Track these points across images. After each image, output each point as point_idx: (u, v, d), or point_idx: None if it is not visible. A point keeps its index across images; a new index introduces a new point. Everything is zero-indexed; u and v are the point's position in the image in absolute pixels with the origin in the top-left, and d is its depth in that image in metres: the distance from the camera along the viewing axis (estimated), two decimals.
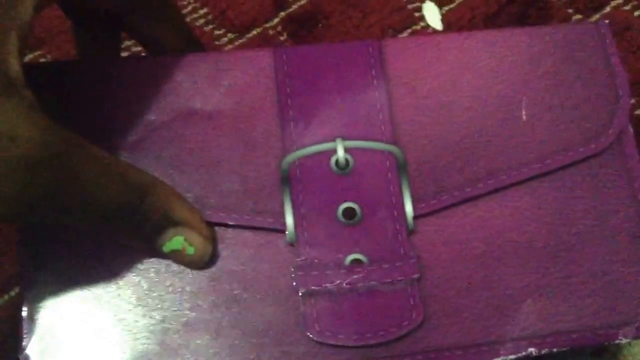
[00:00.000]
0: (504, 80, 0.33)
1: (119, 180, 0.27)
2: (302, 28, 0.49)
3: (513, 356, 0.30)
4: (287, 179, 0.31)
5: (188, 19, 0.49)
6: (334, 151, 0.31)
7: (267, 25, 0.50)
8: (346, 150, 0.31)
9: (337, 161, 0.31)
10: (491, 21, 0.50)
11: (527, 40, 0.34)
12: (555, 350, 0.30)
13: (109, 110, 0.31)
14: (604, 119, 0.33)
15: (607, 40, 0.34)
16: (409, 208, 0.31)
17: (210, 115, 0.31)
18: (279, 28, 0.49)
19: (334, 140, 0.31)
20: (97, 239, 0.30)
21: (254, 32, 0.49)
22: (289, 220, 0.30)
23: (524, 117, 0.32)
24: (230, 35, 0.49)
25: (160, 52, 0.34)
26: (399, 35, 0.50)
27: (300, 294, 0.30)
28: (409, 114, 0.32)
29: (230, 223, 0.30)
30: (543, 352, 0.30)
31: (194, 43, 0.36)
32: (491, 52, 0.33)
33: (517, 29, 0.34)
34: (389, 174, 0.31)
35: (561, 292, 0.31)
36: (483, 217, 0.31)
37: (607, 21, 0.35)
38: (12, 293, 0.40)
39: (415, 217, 0.31)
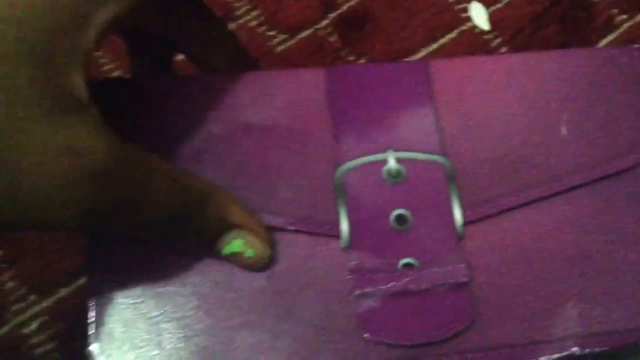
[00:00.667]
0: (545, 97, 0.35)
1: (181, 188, 0.29)
2: (351, 29, 0.51)
3: (557, 355, 0.32)
4: (341, 188, 0.33)
5: (241, 21, 0.51)
6: (386, 161, 0.33)
7: (317, 26, 0.51)
8: (397, 160, 0.33)
9: (388, 171, 0.33)
10: (537, 21, 0.51)
11: (566, 61, 0.36)
12: (597, 350, 0.32)
13: (170, 124, 0.33)
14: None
15: (639, 64, 0.36)
16: (458, 215, 0.33)
17: (267, 129, 0.34)
18: (329, 29, 0.51)
19: (385, 151, 0.33)
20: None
21: (305, 33, 0.51)
22: (344, 226, 0.32)
23: (564, 132, 0.34)
24: (281, 36, 0.51)
25: (213, 71, 0.37)
26: (447, 36, 0.51)
27: (354, 295, 0.32)
28: (455, 129, 0.34)
29: (288, 228, 0.32)
30: (586, 351, 0.32)
31: (247, 62, 0.38)
32: (531, 71, 0.36)
33: (556, 51, 0.37)
34: (438, 183, 0.33)
35: (602, 294, 0.32)
36: (527, 225, 0.33)
37: (637, 46, 0.37)
38: (79, 282, 0.42)
39: (463, 224, 0.33)
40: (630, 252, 0.33)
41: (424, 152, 0.33)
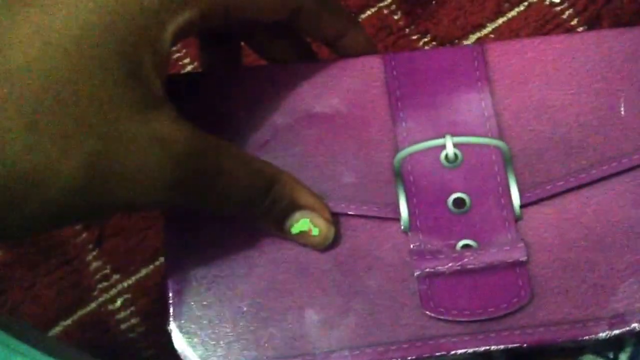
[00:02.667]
0: (602, 78, 0.36)
1: (252, 171, 0.32)
2: (416, 6, 0.52)
3: (618, 331, 0.33)
4: (400, 173, 0.35)
5: None
6: (444, 146, 0.34)
7: (382, 4, 0.52)
8: (454, 145, 0.34)
9: (446, 155, 0.35)
10: None
11: (622, 40, 0.36)
12: None
13: (239, 115, 0.36)
14: None
15: None
16: (515, 197, 0.34)
17: (329, 117, 0.36)
18: (393, 7, 0.52)
19: (443, 136, 0.34)
20: (233, 226, 0.35)
21: (369, 12, 0.52)
22: (404, 210, 0.34)
23: (622, 112, 0.35)
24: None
25: (277, 61, 0.39)
26: (515, 9, 0.52)
27: (415, 275, 0.34)
28: (512, 111, 0.35)
29: (350, 212, 0.34)
30: None
31: (309, 54, 0.40)
32: (588, 51, 0.36)
33: (611, 30, 0.37)
34: (496, 166, 0.35)
35: None
36: (585, 204, 0.34)
37: None
38: (157, 263, 0.46)
39: (521, 206, 0.34)
40: None
41: (481, 136, 0.35)
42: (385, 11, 0.52)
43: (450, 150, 0.34)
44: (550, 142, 0.35)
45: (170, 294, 0.34)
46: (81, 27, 0.27)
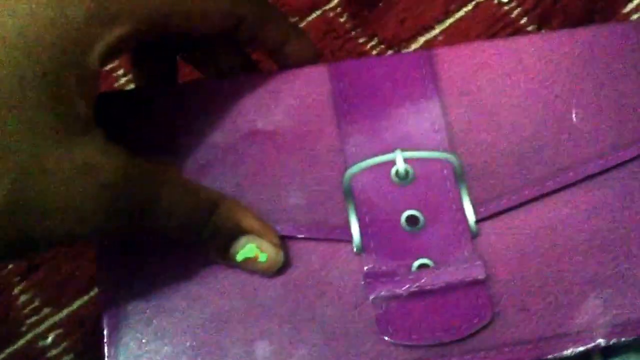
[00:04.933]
0: (553, 83, 0.35)
1: (191, 198, 0.31)
2: (363, 8, 0.50)
3: (582, 347, 0.32)
4: (350, 191, 0.33)
5: None
6: (394, 162, 0.33)
7: (327, 7, 0.51)
8: (405, 160, 0.33)
9: (397, 172, 0.33)
10: None
11: (573, 42, 0.36)
12: (623, 339, 0.32)
13: (176, 134, 0.34)
14: None
15: None
16: (470, 212, 0.33)
17: (273, 134, 0.34)
18: (339, 9, 0.51)
19: (392, 151, 0.33)
20: (174, 255, 0.33)
21: (314, 14, 0.51)
22: (355, 231, 0.33)
23: (575, 119, 0.34)
24: (291, 19, 0.50)
25: (217, 76, 0.37)
26: (463, 9, 0.50)
27: (370, 299, 0.32)
28: (463, 122, 0.35)
29: (299, 236, 0.33)
30: (612, 342, 0.32)
31: (250, 65, 0.39)
32: (538, 56, 0.36)
33: (562, 31, 0.36)
34: (448, 181, 0.34)
35: (626, 282, 0.33)
36: (543, 217, 0.34)
37: None
38: (92, 293, 0.43)
39: (477, 221, 0.33)
40: None
41: (432, 149, 0.34)
42: (331, 14, 0.51)
43: (400, 166, 0.33)
44: (503, 153, 0.34)
45: (105, 332, 0.32)
46: (1, 48, 0.25)
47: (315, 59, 0.37)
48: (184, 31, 0.32)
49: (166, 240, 0.32)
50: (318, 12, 0.51)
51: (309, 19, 0.51)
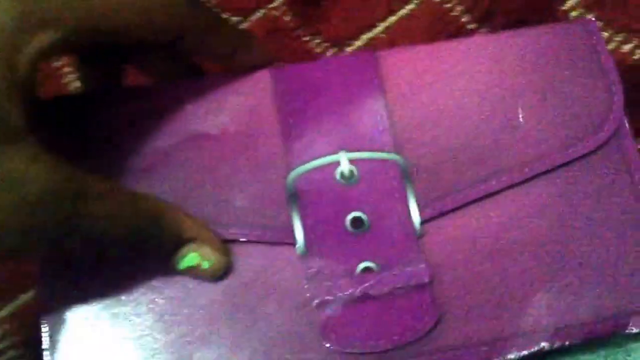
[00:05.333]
0: (499, 84, 0.36)
1: (129, 209, 0.30)
2: (307, 6, 0.51)
3: (526, 351, 0.32)
4: (294, 194, 0.33)
5: None
6: (338, 163, 0.33)
7: (271, 5, 0.51)
8: (350, 161, 0.33)
9: (341, 173, 0.33)
10: None
11: (518, 42, 0.36)
12: (567, 343, 0.33)
13: (118, 139, 0.34)
14: (600, 115, 0.35)
15: (596, 38, 0.37)
16: (414, 213, 0.33)
17: (216, 138, 0.34)
18: (283, 8, 0.51)
19: (337, 152, 0.33)
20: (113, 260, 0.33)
21: (258, 14, 0.51)
22: (299, 233, 0.33)
23: (521, 119, 0.35)
24: (234, 18, 0.50)
25: (161, 79, 0.37)
26: (406, 7, 0.51)
27: (314, 303, 0.32)
28: (408, 122, 0.35)
29: (242, 239, 0.33)
30: (555, 345, 0.33)
31: (196, 70, 0.38)
32: (483, 56, 0.36)
33: (507, 32, 0.37)
34: (393, 182, 0.34)
35: (570, 284, 0.33)
36: (488, 217, 0.34)
37: (593, 19, 0.37)
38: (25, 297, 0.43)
39: (422, 222, 0.33)
40: (596, 239, 0.34)
41: (377, 150, 0.34)
42: (275, 12, 0.51)
43: (345, 166, 0.33)
44: (448, 153, 0.34)
45: (44, 338, 0.32)
46: None
47: (268, 65, 0.36)
48: (120, 41, 0.31)
49: (101, 257, 0.31)
50: (262, 11, 0.51)
51: (253, 18, 0.50)
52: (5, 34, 0.26)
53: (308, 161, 0.33)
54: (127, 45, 0.33)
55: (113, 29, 0.30)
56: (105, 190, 0.29)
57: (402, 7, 0.51)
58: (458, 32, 0.50)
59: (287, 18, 0.50)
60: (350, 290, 0.32)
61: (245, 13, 0.50)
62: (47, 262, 0.33)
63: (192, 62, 0.39)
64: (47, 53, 0.28)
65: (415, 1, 0.51)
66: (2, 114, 0.26)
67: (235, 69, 0.36)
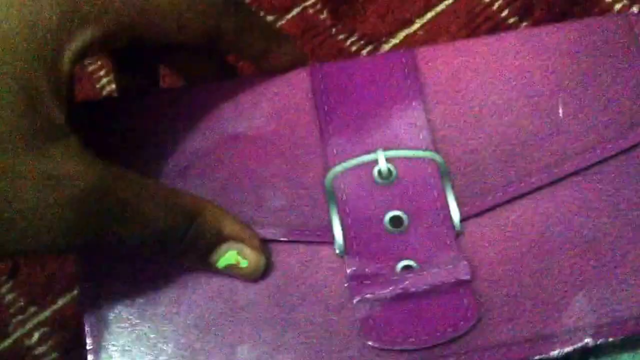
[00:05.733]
0: (538, 79, 0.35)
1: (168, 206, 0.30)
2: (343, 3, 0.51)
3: (569, 348, 0.32)
4: (332, 193, 0.33)
5: None
6: (376, 162, 0.33)
7: (306, 3, 0.51)
8: (388, 160, 0.33)
9: (379, 171, 0.33)
10: None
11: (558, 37, 0.36)
12: (611, 339, 0.32)
13: (156, 140, 0.34)
14: None
15: (638, 31, 0.36)
16: (454, 211, 0.33)
17: (254, 138, 0.34)
18: (319, 6, 0.51)
19: (375, 151, 0.33)
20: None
21: (294, 12, 0.51)
22: (337, 232, 0.33)
23: (561, 114, 0.34)
24: (269, 17, 0.50)
25: (196, 80, 0.37)
26: (445, 2, 0.51)
27: (354, 302, 0.32)
28: (447, 120, 0.34)
29: (281, 239, 0.33)
30: (599, 342, 0.32)
31: (232, 71, 0.39)
32: (522, 52, 0.35)
33: (546, 26, 0.36)
34: (432, 180, 0.33)
35: (613, 280, 0.33)
36: (529, 214, 0.33)
37: (636, 11, 0.36)
38: (75, 291, 0.43)
39: (461, 220, 0.33)
40: (638, 235, 0.33)
41: (415, 148, 0.34)
42: (311, 10, 0.51)
43: (383, 165, 0.33)
44: (488, 150, 0.34)
45: (88, 339, 0.32)
46: None
47: (302, 64, 0.36)
48: (158, 40, 0.31)
49: (141, 254, 0.32)
50: (297, 10, 0.51)
51: (288, 16, 0.51)
52: (50, 32, 0.27)
53: (346, 160, 0.33)
54: (162, 46, 0.33)
55: (151, 27, 0.30)
56: (146, 187, 0.30)
57: (439, 3, 0.51)
58: (497, 27, 0.50)
59: (322, 16, 0.50)
60: (390, 289, 0.32)
61: (282, 11, 0.51)
62: (88, 263, 0.33)
63: (227, 62, 0.39)
64: (87, 51, 0.28)
65: None
66: (48, 113, 0.27)
67: (270, 68, 0.36)
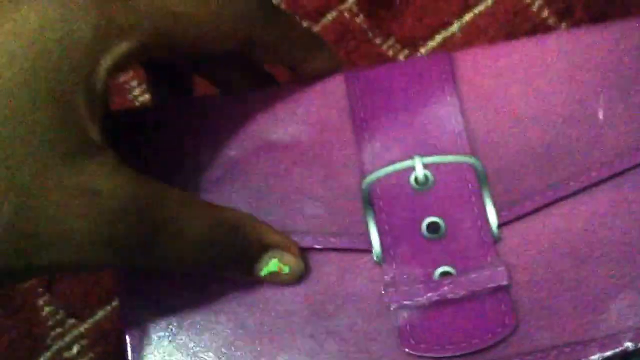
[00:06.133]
0: (577, 82, 0.34)
1: (210, 219, 0.30)
2: (379, 6, 0.50)
3: (610, 352, 0.32)
4: (368, 200, 0.33)
5: None
6: (413, 168, 0.33)
7: (342, 7, 0.51)
8: (424, 166, 0.33)
9: (416, 178, 0.33)
10: None
11: (597, 39, 0.35)
12: None
13: (191, 150, 0.34)
14: None
15: None
16: (492, 217, 0.33)
17: (289, 146, 0.34)
18: (355, 9, 0.50)
19: (411, 157, 0.33)
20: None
21: (329, 16, 0.50)
22: (375, 239, 0.33)
23: (601, 117, 0.34)
24: (304, 23, 0.50)
25: (232, 89, 0.37)
26: (484, 3, 0.50)
27: (392, 308, 0.32)
28: (484, 125, 0.34)
29: (318, 247, 0.33)
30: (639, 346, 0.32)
31: (268, 79, 0.39)
32: (562, 55, 0.35)
33: (587, 28, 0.36)
34: (470, 185, 0.33)
35: None
36: (567, 219, 0.33)
37: None
38: (114, 303, 0.44)
39: (499, 225, 0.33)
40: None
41: (452, 154, 0.33)
42: (347, 14, 0.50)
43: (419, 172, 0.33)
44: (526, 155, 0.34)
45: (129, 350, 0.33)
46: (8, 65, 0.25)
47: (338, 71, 0.36)
48: (194, 50, 0.31)
49: (185, 270, 0.32)
50: (333, 14, 0.51)
51: (324, 20, 0.50)
52: (85, 46, 0.26)
53: (382, 167, 0.33)
54: (198, 55, 0.33)
55: (187, 37, 0.30)
56: (185, 202, 0.30)
57: (478, 3, 0.50)
58: (536, 28, 0.49)
59: (358, 20, 0.50)
60: (428, 295, 0.32)
61: (317, 16, 0.50)
62: (128, 274, 0.33)
63: (263, 70, 0.39)
64: (123, 64, 0.28)
65: None
66: (84, 128, 0.27)
67: (306, 75, 0.35)
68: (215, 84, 0.38)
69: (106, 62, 0.27)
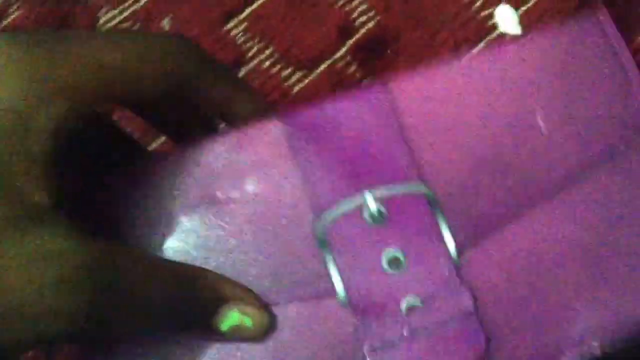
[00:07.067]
0: (515, 96, 0.34)
1: (167, 275, 0.30)
2: (372, 55, 0.51)
3: (577, 356, 0.32)
4: (324, 243, 0.33)
5: (255, 61, 0.52)
6: (365, 204, 0.33)
7: (336, 56, 0.51)
8: (376, 199, 0.33)
9: (370, 214, 0.33)
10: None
11: (529, 47, 0.35)
12: (620, 343, 0.32)
13: (135, 206, 0.33)
14: (629, 116, 0.34)
15: (609, 30, 0.35)
16: (450, 243, 0.33)
17: (237, 199, 0.33)
18: (348, 58, 0.51)
19: (361, 192, 0.33)
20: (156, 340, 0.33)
21: (322, 66, 0.51)
22: (337, 283, 0.32)
23: (543, 129, 0.34)
24: (298, 73, 0.51)
25: (177, 134, 0.38)
26: (475, 49, 0.50)
27: (365, 350, 0.32)
28: (429, 149, 0.34)
29: (281, 302, 0.32)
30: (607, 350, 0.32)
31: (208, 124, 0.39)
32: (495, 67, 0.35)
33: (517, 39, 0.37)
34: (423, 214, 0.33)
35: (614, 289, 0.32)
36: (523, 234, 0.33)
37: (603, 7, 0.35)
38: None
39: (458, 250, 0.33)
40: (633, 243, 0.33)
41: (401, 183, 0.33)
42: (340, 63, 0.51)
43: (372, 206, 0.32)
44: (472, 174, 0.33)
45: None
46: None
47: (266, 113, 0.35)
48: (130, 97, 0.31)
49: (146, 333, 0.31)
50: (327, 63, 0.51)
51: (317, 70, 0.51)
52: (13, 112, 0.26)
53: (333, 207, 0.33)
54: (140, 102, 0.33)
55: (115, 85, 0.30)
56: (138, 260, 0.29)
57: (470, 49, 0.50)
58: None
59: (352, 69, 0.51)
60: (398, 330, 0.32)
61: (310, 65, 0.51)
62: (88, 345, 0.33)
63: (206, 117, 0.39)
64: (69, 125, 0.28)
65: (484, 41, 0.50)
66: (20, 195, 0.26)
67: (234, 118, 0.35)
68: (164, 132, 0.39)
69: (41, 124, 0.27)
